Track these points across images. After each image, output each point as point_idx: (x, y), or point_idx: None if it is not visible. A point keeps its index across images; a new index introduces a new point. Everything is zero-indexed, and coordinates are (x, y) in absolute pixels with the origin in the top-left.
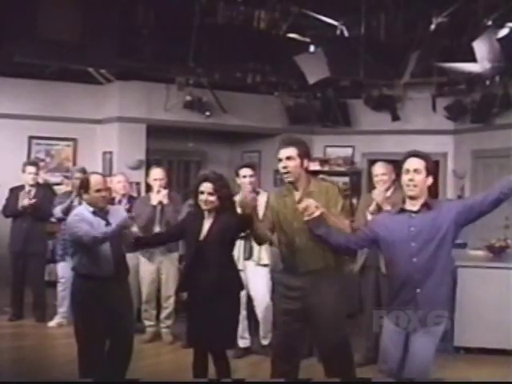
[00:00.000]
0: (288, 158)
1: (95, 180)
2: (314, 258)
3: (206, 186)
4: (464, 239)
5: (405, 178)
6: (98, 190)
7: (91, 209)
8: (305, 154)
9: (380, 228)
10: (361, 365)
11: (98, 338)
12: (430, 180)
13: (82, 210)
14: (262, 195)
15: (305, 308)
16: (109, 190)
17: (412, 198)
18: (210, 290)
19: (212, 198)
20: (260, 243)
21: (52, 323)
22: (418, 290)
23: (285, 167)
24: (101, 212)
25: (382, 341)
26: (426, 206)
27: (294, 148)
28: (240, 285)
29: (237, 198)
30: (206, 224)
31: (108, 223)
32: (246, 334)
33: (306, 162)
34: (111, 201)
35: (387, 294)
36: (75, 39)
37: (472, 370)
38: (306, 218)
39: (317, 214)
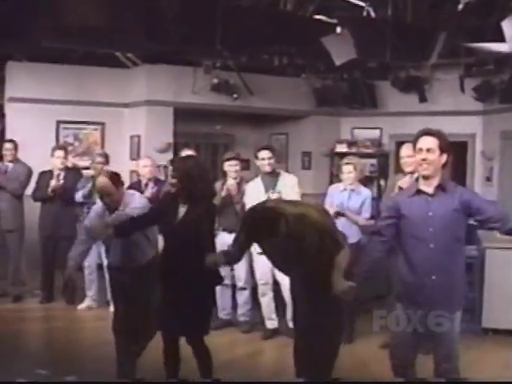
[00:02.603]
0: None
1: (97, 185)
2: None
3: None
4: None
5: (418, 157)
6: (101, 197)
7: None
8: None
9: (403, 205)
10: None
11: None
12: (444, 158)
13: (100, 206)
14: (284, 177)
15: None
16: (112, 194)
17: (426, 177)
18: (183, 279)
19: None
20: None
21: (82, 306)
22: (434, 277)
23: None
24: (114, 209)
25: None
26: (440, 187)
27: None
28: (217, 275)
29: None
30: (181, 210)
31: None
32: (274, 316)
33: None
34: (137, 184)
35: (399, 279)
36: (102, 23)
37: (500, 351)
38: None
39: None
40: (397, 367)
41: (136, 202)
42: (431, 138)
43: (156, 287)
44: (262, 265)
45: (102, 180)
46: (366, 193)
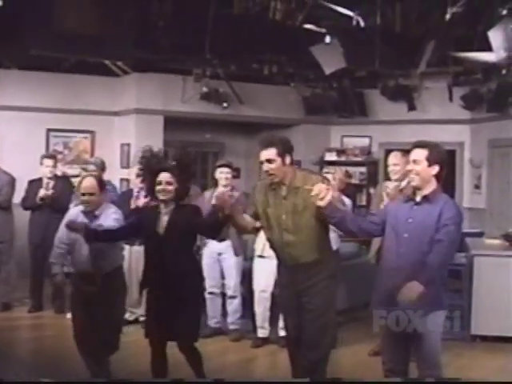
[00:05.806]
0: (269, 161)
1: (83, 184)
2: (302, 252)
3: (164, 176)
4: (481, 228)
5: (408, 168)
6: (83, 194)
7: (82, 208)
8: (285, 151)
9: (389, 212)
10: (376, 354)
11: None
12: (436, 169)
13: (76, 210)
14: None
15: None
16: (95, 195)
17: (416, 187)
18: (170, 286)
19: (170, 188)
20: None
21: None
22: (400, 283)
23: (267, 170)
24: (90, 213)
25: (382, 340)
26: (426, 198)
27: (274, 148)
28: (200, 276)
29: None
30: (164, 218)
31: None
32: (266, 325)
33: (287, 159)
34: (129, 193)
35: (376, 282)
36: (91, 31)
37: (489, 358)
38: (320, 203)
39: (328, 197)
40: (387, 372)
41: (112, 212)
42: (420, 150)
43: (121, 297)
44: (263, 270)
45: (90, 179)
46: (346, 202)
